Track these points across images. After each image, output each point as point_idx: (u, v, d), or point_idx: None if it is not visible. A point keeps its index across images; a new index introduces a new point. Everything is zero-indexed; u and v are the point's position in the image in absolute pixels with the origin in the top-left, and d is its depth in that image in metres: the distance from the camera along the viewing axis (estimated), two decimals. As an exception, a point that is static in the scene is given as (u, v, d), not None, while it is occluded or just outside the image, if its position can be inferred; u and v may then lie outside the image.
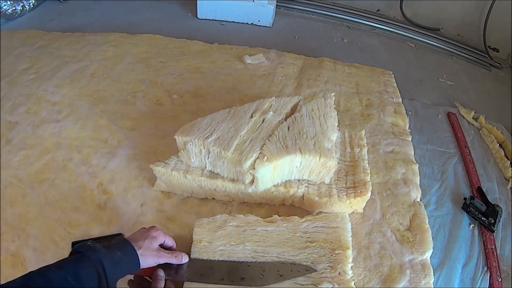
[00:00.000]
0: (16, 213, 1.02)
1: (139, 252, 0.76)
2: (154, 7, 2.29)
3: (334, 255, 0.87)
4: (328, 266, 0.85)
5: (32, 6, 2.14)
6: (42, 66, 1.58)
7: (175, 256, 0.83)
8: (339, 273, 0.84)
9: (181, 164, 1.04)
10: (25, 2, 2.09)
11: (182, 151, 1.02)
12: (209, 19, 2.17)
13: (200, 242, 0.90)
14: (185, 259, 0.85)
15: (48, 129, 1.28)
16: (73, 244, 0.95)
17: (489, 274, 1.05)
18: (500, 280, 1.04)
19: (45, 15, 2.14)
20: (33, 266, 0.88)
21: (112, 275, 0.70)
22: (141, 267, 0.77)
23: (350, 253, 0.88)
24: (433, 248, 1.07)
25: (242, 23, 2.17)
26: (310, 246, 0.89)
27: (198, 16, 2.17)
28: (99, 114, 1.34)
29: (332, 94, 1.23)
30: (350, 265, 0.86)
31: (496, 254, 1.10)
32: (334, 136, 1.09)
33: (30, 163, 1.16)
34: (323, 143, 1.01)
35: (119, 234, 0.98)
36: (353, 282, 0.84)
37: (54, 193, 1.08)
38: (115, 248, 0.73)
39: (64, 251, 0.95)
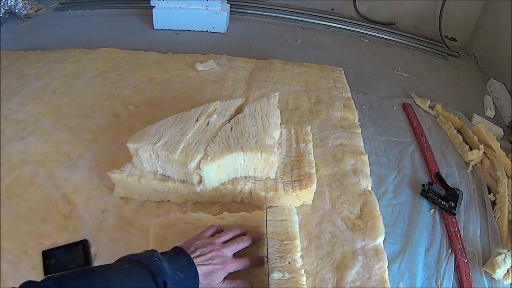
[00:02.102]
0: (-9, 229, 1.07)
1: (201, 283, 0.79)
2: (113, 21, 2.34)
3: (283, 245, 0.90)
4: (278, 256, 0.89)
5: (-5, 26, 2.19)
6: (8, 86, 1.61)
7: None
8: (289, 262, 0.87)
9: (135, 170, 1.10)
10: (-12, 23, 2.14)
11: (135, 157, 1.08)
12: (165, 29, 2.23)
13: (156, 240, 0.95)
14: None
15: (14, 146, 1.32)
16: (43, 253, 1.01)
17: (454, 256, 1.08)
18: (466, 261, 1.07)
19: (9, 34, 2.18)
20: (9, 279, 0.96)
21: None
22: None
23: (298, 242, 0.92)
24: (393, 235, 1.11)
25: (197, 31, 2.23)
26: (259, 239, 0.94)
27: (154, 27, 2.23)
28: (61, 129, 1.39)
29: (276, 93, 1.29)
30: (299, 254, 0.90)
31: (460, 236, 1.13)
32: (277, 133, 1.16)
33: (0, 180, 1.21)
34: (264, 140, 1.07)
35: (84, 240, 1.03)
36: (303, 270, 0.88)
37: (24, 207, 1.13)
38: (179, 269, 0.75)
39: (36, 261, 1.00)
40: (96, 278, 0.66)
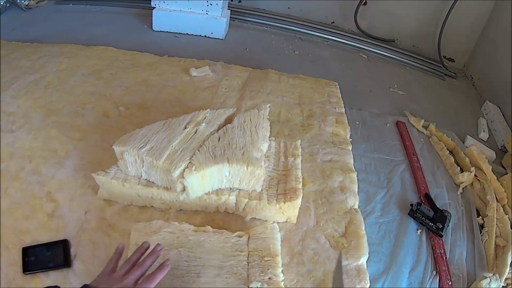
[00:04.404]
0: (-26, 222, 1.06)
1: None
2: (113, 19, 2.34)
3: (263, 261, 0.91)
4: (258, 270, 0.89)
5: (-5, 15, 2.17)
6: (2, 77, 1.60)
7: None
8: (269, 278, 0.88)
9: (120, 173, 1.09)
10: (-12, 11, 2.13)
11: (120, 160, 1.08)
12: (163, 31, 2.23)
13: (136, 246, 0.93)
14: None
15: (3, 139, 1.31)
16: (24, 249, 1.00)
17: (438, 278, 1.09)
18: (450, 283, 1.08)
19: (8, 24, 2.16)
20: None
21: None
22: None
23: (279, 259, 0.93)
24: (378, 254, 1.11)
25: (196, 35, 2.23)
26: (240, 254, 0.93)
27: (153, 28, 2.23)
28: (51, 125, 1.38)
29: (267, 105, 1.29)
30: (280, 269, 0.91)
31: (446, 258, 1.14)
32: (265, 146, 1.16)
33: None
34: (251, 152, 1.07)
35: (65, 240, 1.02)
36: (282, 283, 0.88)
37: (7, 201, 1.12)
38: None
39: (15, 257, 0.99)
40: None
